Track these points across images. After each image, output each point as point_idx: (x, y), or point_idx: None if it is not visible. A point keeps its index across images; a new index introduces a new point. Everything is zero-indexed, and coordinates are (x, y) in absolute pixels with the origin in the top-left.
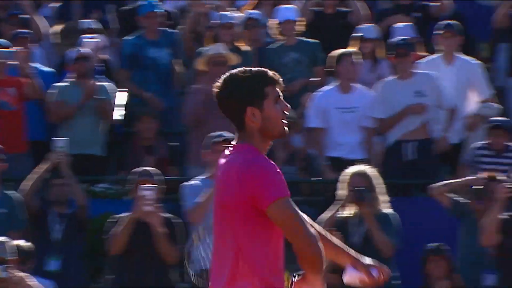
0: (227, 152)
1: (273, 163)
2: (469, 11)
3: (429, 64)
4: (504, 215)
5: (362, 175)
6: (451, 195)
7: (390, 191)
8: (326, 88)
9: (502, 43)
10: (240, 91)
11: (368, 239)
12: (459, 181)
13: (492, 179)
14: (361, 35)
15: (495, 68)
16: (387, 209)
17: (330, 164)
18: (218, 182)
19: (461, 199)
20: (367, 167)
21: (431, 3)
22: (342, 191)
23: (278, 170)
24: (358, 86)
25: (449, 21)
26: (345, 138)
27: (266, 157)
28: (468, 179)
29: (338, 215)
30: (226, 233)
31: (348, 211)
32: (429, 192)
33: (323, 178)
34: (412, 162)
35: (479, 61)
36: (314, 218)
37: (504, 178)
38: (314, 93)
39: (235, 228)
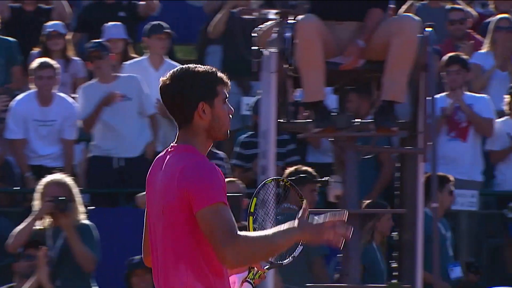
0: (165, 153)
1: (217, 167)
2: (178, 12)
3: (135, 67)
4: None
5: (59, 184)
6: None
7: (96, 200)
8: (24, 95)
9: (213, 45)
10: (194, 85)
11: (66, 252)
12: None
13: None
14: (51, 31)
15: None
16: (86, 220)
17: (31, 173)
18: (158, 184)
19: None
20: (65, 176)
21: (138, 2)
22: (37, 201)
23: (220, 175)
24: (58, 94)
25: (156, 22)
26: (44, 150)
27: (208, 160)
28: None
29: (34, 227)
30: (167, 236)
31: (44, 223)
32: (136, 202)
33: (23, 187)
34: (119, 171)
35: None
36: (10, 230)
37: None
38: (12, 98)
39: (177, 232)
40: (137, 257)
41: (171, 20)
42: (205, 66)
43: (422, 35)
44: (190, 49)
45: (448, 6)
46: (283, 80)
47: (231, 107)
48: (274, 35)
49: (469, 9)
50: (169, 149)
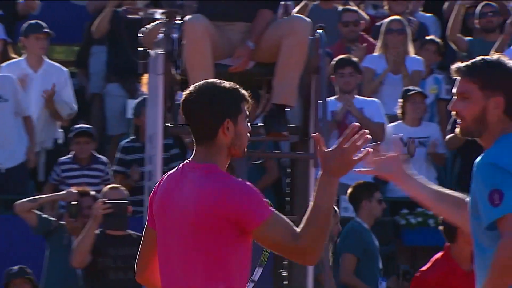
0: (181, 171)
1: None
2: (60, 11)
3: (12, 68)
4: (96, 233)
5: None
6: (38, 212)
7: None
8: None
9: (97, 46)
10: (222, 101)
11: None
12: (47, 197)
13: (84, 194)
14: None
15: (90, 73)
16: None
17: None
18: (178, 204)
19: (50, 217)
20: None
21: (18, 0)
22: None
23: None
24: None
25: (34, 21)
26: None
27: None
28: (57, 195)
29: None
30: (193, 255)
31: None
32: (14, 209)
33: None
34: None
35: (66, 68)
36: None
37: (95, 193)
38: None
39: (206, 252)
40: (16, 267)
41: (52, 19)
42: (229, 82)
43: (313, 36)
44: (72, 50)
45: (341, 7)
46: (171, 83)
47: (249, 125)
48: (161, 36)
49: (361, 11)
50: (186, 168)
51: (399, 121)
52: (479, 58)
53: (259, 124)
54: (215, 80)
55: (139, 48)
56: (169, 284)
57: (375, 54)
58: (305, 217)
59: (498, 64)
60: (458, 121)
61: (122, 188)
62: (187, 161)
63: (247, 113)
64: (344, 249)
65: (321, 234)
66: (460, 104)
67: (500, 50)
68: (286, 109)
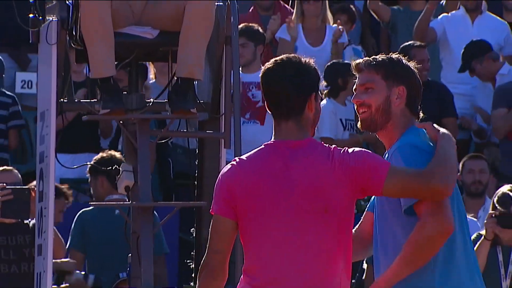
0: (278, 147)
1: None
2: None
3: None
4: None
5: None
6: None
7: None
8: None
9: None
10: (308, 75)
11: None
12: None
13: None
14: None
15: None
16: None
17: None
18: (302, 177)
19: None
20: None
21: None
22: None
23: None
24: None
25: None
26: None
27: None
28: None
29: None
30: (328, 246)
31: None
32: None
33: None
34: None
35: None
36: None
37: None
38: None
39: (338, 231)
40: None
41: None
42: (304, 57)
43: (222, 4)
44: None
45: None
46: (65, 54)
47: None
48: (54, 2)
49: None
50: (283, 147)
51: (328, 99)
52: (380, 55)
53: (164, 101)
54: (292, 55)
55: (30, 15)
56: (291, 267)
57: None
58: (435, 156)
59: (399, 60)
60: (363, 111)
61: (15, 171)
62: (275, 140)
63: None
64: None
65: (453, 170)
66: (364, 95)
67: (424, 21)
68: (193, 84)
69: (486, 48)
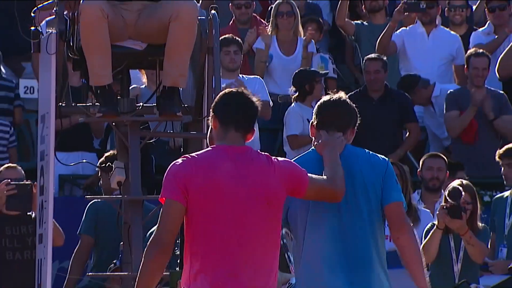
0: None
1: None
2: None
3: None
4: None
5: None
6: None
7: None
8: None
9: None
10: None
11: None
12: None
13: None
14: None
15: None
16: None
17: None
18: (248, 175)
19: None
20: None
21: None
22: None
23: None
24: None
25: None
26: None
27: None
28: None
29: None
30: (270, 228)
31: None
32: None
33: None
34: None
35: None
36: None
37: None
38: None
39: (277, 223)
40: None
41: None
42: None
43: (204, 17)
44: None
45: None
46: (63, 62)
47: None
48: (54, 16)
49: None
50: (230, 148)
51: (297, 103)
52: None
53: (152, 105)
54: (240, 89)
55: (31, 28)
56: (242, 252)
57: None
58: (325, 171)
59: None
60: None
61: (19, 168)
62: (222, 144)
63: None
64: None
65: (342, 177)
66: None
67: (386, 37)
68: (178, 90)
69: (415, 80)
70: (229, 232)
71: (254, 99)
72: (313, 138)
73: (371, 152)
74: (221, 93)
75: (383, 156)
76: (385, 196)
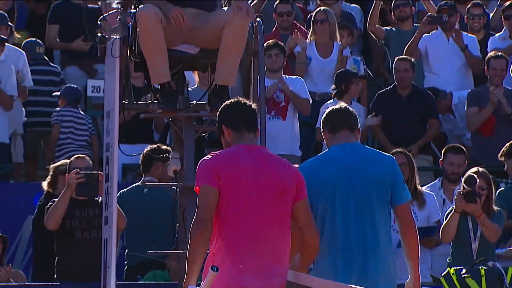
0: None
1: None
2: None
3: None
4: None
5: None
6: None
7: None
8: None
9: None
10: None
11: None
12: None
13: None
14: None
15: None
16: None
17: None
18: (267, 169)
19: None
20: None
21: None
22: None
23: None
24: None
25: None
26: None
27: None
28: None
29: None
30: (283, 214)
31: None
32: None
33: None
34: None
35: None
36: None
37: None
38: None
39: (288, 215)
40: None
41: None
42: None
43: (252, 24)
44: (26, 34)
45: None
46: (126, 65)
47: None
48: (117, 23)
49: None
50: (250, 147)
51: (334, 99)
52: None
53: (205, 102)
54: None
55: (98, 34)
56: (260, 233)
57: (307, 40)
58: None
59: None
60: None
61: (87, 158)
62: (242, 144)
63: None
64: None
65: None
66: None
67: (414, 44)
68: (228, 89)
69: (434, 93)
70: (251, 216)
71: (249, 102)
72: (325, 142)
73: (378, 151)
74: (220, 108)
75: (389, 154)
76: (396, 197)
